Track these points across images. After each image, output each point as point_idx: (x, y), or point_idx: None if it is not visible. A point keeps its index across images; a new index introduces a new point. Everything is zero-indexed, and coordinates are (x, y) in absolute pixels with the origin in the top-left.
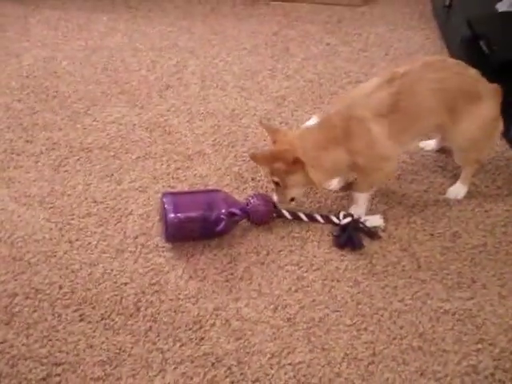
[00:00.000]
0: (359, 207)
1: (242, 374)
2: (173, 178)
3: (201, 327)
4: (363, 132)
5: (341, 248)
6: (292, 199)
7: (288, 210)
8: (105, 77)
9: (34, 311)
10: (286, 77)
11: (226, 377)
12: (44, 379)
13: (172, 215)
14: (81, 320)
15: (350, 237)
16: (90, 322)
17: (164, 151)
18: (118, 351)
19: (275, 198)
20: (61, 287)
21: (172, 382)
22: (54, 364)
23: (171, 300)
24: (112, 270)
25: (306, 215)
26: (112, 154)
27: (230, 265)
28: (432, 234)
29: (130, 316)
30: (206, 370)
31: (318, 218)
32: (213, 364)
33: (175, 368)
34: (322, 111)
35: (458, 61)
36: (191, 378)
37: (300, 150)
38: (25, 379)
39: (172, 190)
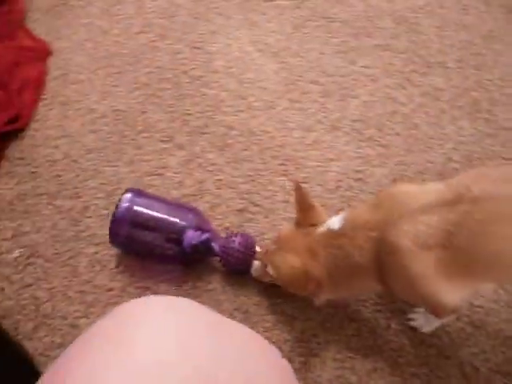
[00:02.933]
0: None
1: None
2: (407, 79)
3: None
4: (400, 268)
5: None
6: None
7: None
8: None
9: (245, 149)
10: None
11: None
12: (240, 210)
13: (125, 205)
14: (282, 175)
15: None
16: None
17: (405, 49)
18: None
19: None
20: (273, 138)
21: None
22: (251, 203)
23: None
24: (323, 142)
25: None
26: (353, 32)
27: None
28: None
29: (328, 191)
30: None
31: None
32: None
33: None
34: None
35: None
36: None
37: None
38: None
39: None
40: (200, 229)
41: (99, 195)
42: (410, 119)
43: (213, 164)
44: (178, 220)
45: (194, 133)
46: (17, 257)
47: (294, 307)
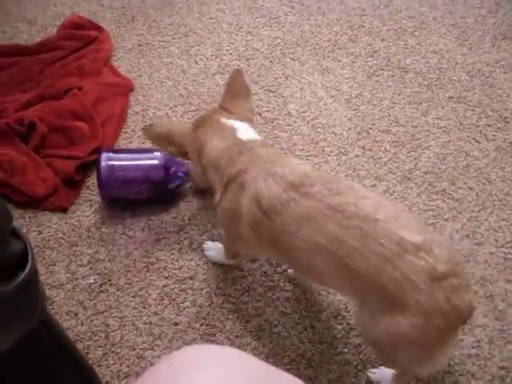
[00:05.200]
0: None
1: None
2: (481, 133)
3: None
4: (229, 200)
5: None
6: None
7: None
8: (441, 3)
9: None
10: None
11: None
12: None
13: (104, 163)
14: None
15: None
16: None
17: (479, 102)
18: None
19: None
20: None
21: None
22: None
23: None
24: (394, 192)
25: None
26: (426, 83)
27: None
28: None
29: None
30: None
31: None
32: None
33: None
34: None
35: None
36: None
37: (197, 147)
38: None
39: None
40: (170, 163)
41: (171, 229)
42: (484, 174)
43: None
44: (149, 161)
45: None
46: (91, 283)
47: (360, 359)
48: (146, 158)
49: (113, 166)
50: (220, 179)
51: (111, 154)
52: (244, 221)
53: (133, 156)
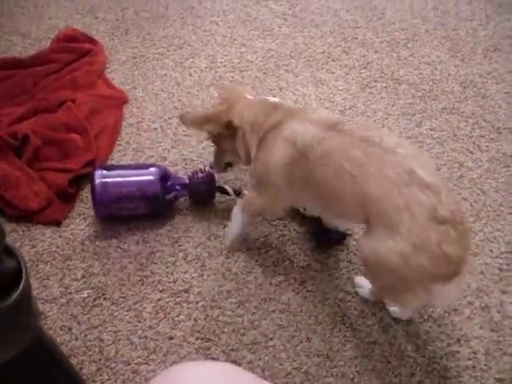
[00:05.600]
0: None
1: None
2: (473, 143)
3: None
4: (272, 146)
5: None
6: (228, 165)
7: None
8: (433, 16)
9: None
10: None
11: None
12: (303, 267)
13: (98, 180)
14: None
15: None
16: None
17: (472, 113)
18: None
19: (212, 160)
20: None
21: None
22: (315, 260)
23: None
24: None
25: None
26: (419, 94)
27: None
28: None
29: None
30: None
31: None
32: None
33: None
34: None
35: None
36: None
37: (237, 114)
38: None
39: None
40: (165, 177)
41: (166, 242)
42: (478, 185)
43: (278, 219)
44: (144, 177)
45: None
46: (85, 297)
47: (356, 371)
48: (140, 173)
49: (107, 183)
50: (257, 136)
51: (105, 172)
52: (278, 168)
53: (127, 172)
